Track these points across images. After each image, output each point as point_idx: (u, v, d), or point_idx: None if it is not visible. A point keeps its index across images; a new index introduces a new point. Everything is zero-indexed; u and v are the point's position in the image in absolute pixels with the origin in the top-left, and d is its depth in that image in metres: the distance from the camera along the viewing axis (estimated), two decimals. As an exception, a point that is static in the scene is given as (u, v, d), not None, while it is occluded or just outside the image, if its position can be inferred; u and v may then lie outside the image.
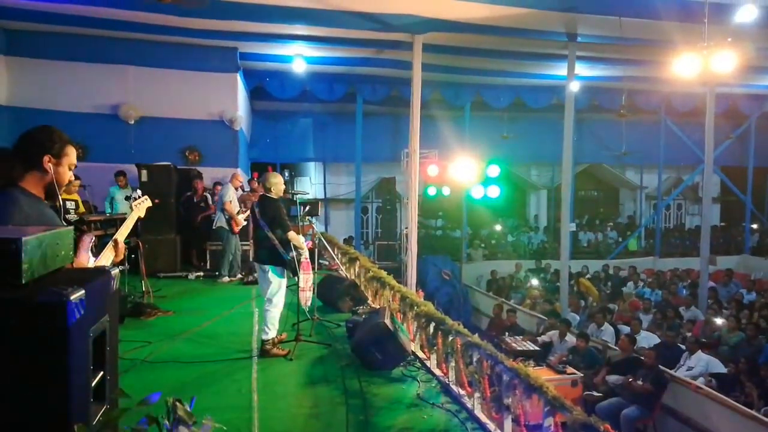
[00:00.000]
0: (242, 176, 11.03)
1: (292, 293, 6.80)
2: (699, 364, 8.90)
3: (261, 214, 5.95)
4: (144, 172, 10.90)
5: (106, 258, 3.11)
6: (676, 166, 21.63)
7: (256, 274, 7.04)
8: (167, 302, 8.26)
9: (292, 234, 5.88)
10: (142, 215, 3.67)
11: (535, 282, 16.17)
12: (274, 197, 6.04)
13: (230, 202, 9.78)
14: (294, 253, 5.88)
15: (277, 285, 5.97)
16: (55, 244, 1.89)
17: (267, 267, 5.94)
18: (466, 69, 15.31)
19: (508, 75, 16.16)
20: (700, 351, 9.11)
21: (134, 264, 8.39)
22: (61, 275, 1.90)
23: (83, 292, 1.74)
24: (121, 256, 3.18)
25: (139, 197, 3.74)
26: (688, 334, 10.77)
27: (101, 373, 1.96)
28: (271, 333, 5.92)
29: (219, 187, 11.79)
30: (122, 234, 3.28)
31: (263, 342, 5.94)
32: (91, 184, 10.87)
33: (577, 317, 12.57)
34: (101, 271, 2.12)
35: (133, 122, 12.60)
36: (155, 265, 10.12)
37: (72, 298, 1.66)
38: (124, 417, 1.70)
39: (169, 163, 11.30)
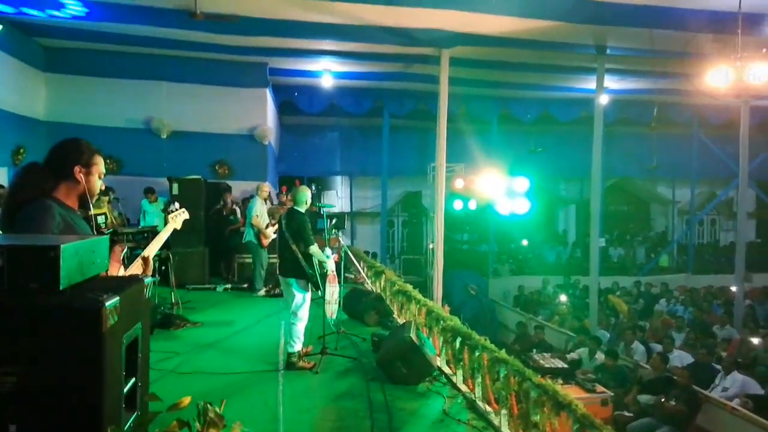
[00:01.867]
0: (268, 187, 10.79)
1: (318, 306, 6.80)
2: (734, 384, 8.56)
3: (286, 227, 5.98)
4: (175, 185, 11.03)
5: (134, 271, 3.10)
6: (709, 180, 21.08)
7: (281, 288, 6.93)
8: (195, 314, 8.28)
9: (314, 248, 5.89)
10: (179, 227, 3.64)
11: (563, 298, 15.76)
12: (302, 211, 6.07)
13: (257, 216, 9.75)
14: (317, 268, 5.89)
15: (300, 299, 5.98)
16: (91, 252, 1.93)
17: (290, 280, 5.97)
18: (493, 82, 15.16)
19: (536, 88, 15.96)
20: (735, 371, 8.77)
21: (164, 275, 8.43)
22: (97, 282, 1.93)
23: (118, 299, 1.76)
24: (150, 272, 3.16)
25: (177, 209, 3.74)
26: (723, 354, 10.40)
27: (133, 379, 1.97)
28: (297, 346, 5.94)
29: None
30: (153, 249, 3.25)
31: (289, 355, 5.96)
32: (124, 197, 11.27)
33: (607, 334, 12.25)
34: (135, 280, 2.15)
35: (165, 136, 12.82)
36: (184, 277, 10.11)
37: (107, 304, 1.69)
38: (155, 420, 1.71)
39: (199, 177, 11.40)
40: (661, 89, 16.00)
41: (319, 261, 5.93)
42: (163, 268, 8.46)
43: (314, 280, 5.88)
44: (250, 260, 10.42)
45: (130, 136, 12.50)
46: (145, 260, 3.12)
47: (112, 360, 1.75)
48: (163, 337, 7.07)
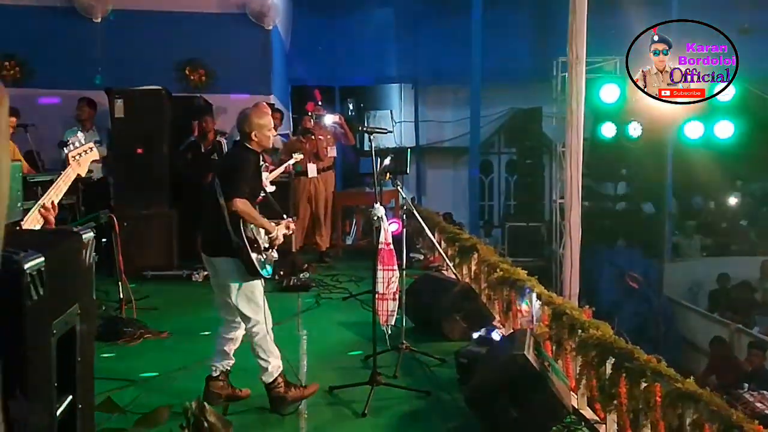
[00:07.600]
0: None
1: (363, 307, 6.16)
2: None
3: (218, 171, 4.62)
4: (119, 102, 8.48)
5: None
6: None
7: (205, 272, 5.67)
8: (159, 318, 7.12)
9: (240, 203, 4.22)
10: (83, 173, 3.12)
11: (802, 297, 12.50)
12: (249, 147, 4.44)
13: None
14: (250, 237, 4.25)
15: (246, 291, 4.40)
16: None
17: (216, 261, 4.45)
18: None
19: None
20: None
21: (106, 256, 6.70)
22: (7, 235, 1.54)
23: (43, 259, 1.51)
24: (52, 221, 2.69)
25: (80, 144, 3.08)
26: None
27: (70, 398, 1.74)
28: (273, 366, 4.43)
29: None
30: (55, 196, 2.77)
31: (269, 387, 4.44)
32: (36, 123, 8.31)
33: None
34: (67, 234, 1.88)
35: (100, 19, 9.72)
36: (140, 258, 8.37)
37: (27, 266, 1.44)
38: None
39: (158, 87, 8.80)
40: None
41: (243, 225, 4.23)
42: (104, 242, 6.82)
43: (248, 258, 4.17)
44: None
45: (42, 20, 9.64)
46: (46, 208, 2.68)
47: (37, 361, 1.49)
48: (108, 354, 5.92)
